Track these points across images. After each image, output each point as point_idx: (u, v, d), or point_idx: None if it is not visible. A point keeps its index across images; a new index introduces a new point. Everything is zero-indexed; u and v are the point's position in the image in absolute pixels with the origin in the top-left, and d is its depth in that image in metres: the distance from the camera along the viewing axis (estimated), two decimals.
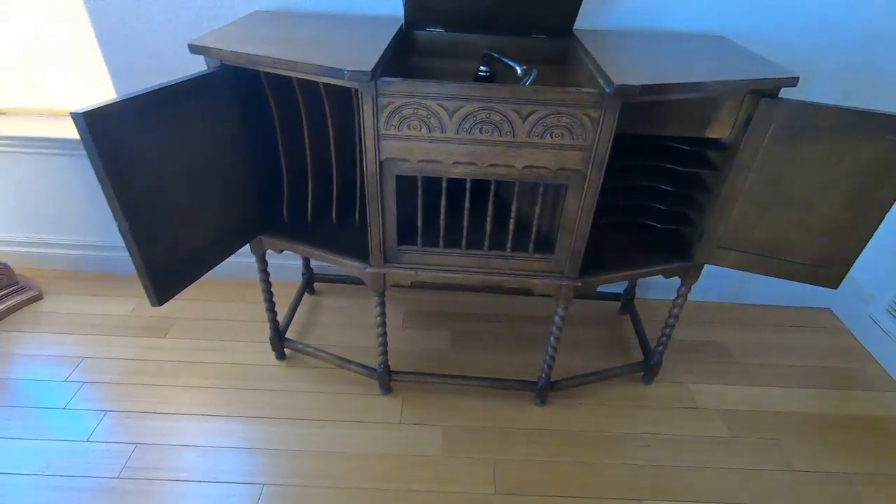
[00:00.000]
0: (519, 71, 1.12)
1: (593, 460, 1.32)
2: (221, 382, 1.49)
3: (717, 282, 1.80)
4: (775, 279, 1.78)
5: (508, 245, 1.13)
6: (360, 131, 1.00)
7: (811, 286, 1.78)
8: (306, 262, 1.72)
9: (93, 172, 1.63)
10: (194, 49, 1.00)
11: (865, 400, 1.52)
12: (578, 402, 1.47)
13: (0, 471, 1.23)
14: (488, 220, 1.10)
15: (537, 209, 1.08)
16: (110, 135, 0.82)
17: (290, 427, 1.37)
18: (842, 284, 1.78)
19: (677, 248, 1.26)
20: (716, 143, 1.14)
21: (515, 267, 1.15)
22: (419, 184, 1.05)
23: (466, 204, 1.08)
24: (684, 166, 1.16)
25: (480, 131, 0.96)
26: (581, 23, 1.32)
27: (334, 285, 1.84)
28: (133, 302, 1.74)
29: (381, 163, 1.00)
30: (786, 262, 1.16)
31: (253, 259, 1.34)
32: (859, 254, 1.09)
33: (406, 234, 1.14)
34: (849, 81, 1.39)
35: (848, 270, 1.12)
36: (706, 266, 1.75)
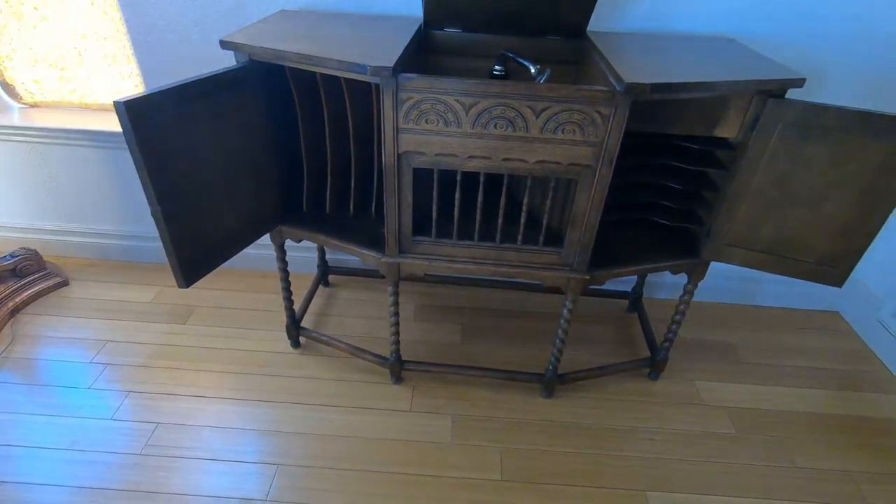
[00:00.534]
0: (533, 70, 1.16)
1: (598, 451, 1.35)
2: (239, 368, 1.54)
3: (726, 283, 1.82)
4: (785, 281, 1.81)
5: (519, 238, 1.16)
6: (379, 125, 1.04)
7: (821, 289, 1.81)
8: (322, 254, 1.78)
9: (122, 164, 1.71)
10: (226, 45, 1.06)
11: (872, 402, 1.53)
12: (585, 395, 1.50)
13: (30, 444, 1.29)
14: (500, 213, 1.14)
15: (548, 203, 1.12)
16: (149, 123, 0.87)
17: (304, 412, 1.42)
18: (851, 288, 1.80)
19: (685, 245, 1.29)
20: (724, 143, 1.17)
21: (525, 259, 1.19)
22: (435, 176, 1.09)
23: (480, 197, 1.12)
24: (693, 165, 1.19)
25: (495, 126, 1.00)
26: (594, 25, 1.36)
27: (348, 278, 1.89)
28: (156, 290, 1.81)
29: (399, 156, 1.05)
30: (792, 261, 1.18)
31: (270, 250, 1.39)
32: (863, 253, 1.12)
33: (421, 226, 1.18)
34: (862, 84, 1.41)
35: (852, 269, 1.14)
36: (717, 266, 1.78)
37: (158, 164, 0.91)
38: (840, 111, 0.99)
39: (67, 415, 1.37)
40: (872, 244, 1.72)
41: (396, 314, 1.35)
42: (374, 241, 1.24)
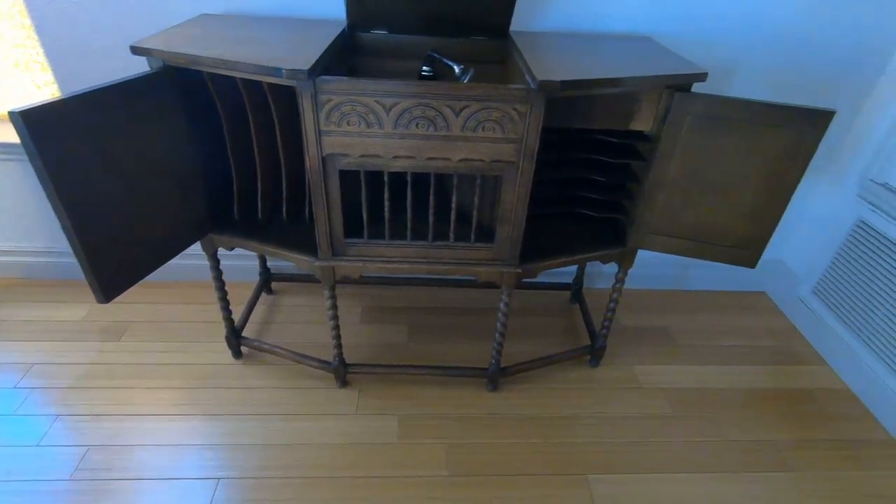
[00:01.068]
0: (457, 70, 1.18)
1: (542, 440, 1.38)
2: (178, 382, 1.50)
3: (660, 270, 1.90)
4: (714, 265, 1.91)
5: (451, 235, 1.18)
6: (303, 128, 1.04)
7: (747, 271, 1.91)
8: (263, 261, 1.74)
9: None
10: (136, 51, 1.03)
11: (795, 374, 1.63)
12: (529, 386, 1.53)
13: None
14: (431, 211, 1.15)
15: (476, 200, 1.14)
16: (50, 133, 0.84)
17: (249, 422, 1.39)
18: (774, 269, 1.91)
19: (612, 236, 1.35)
20: (642, 136, 1.22)
21: (459, 256, 1.21)
22: (362, 178, 1.10)
23: (409, 196, 1.13)
24: (615, 158, 1.24)
25: (417, 126, 1.01)
26: (519, 25, 1.40)
27: (292, 284, 1.86)
28: (87, 307, 1.73)
29: (323, 158, 1.05)
30: (710, 245, 1.25)
31: (202, 260, 1.35)
32: (771, 235, 1.19)
33: (352, 228, 1.18)
34: (766, 77, 1.50)
35: (763, 251, 1.22)
36: (650, 255, 1.86)
37: (65, 175, 0.88)
38: (742, 103, 1.05)
39: None
40: (790, 227, 1.84)
41: (335, 318, 1.34)
42: (308, 245, 1.23)
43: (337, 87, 0.96)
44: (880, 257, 1.48)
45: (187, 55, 0.99)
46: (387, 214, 1.15)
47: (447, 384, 1.52)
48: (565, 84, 0.96)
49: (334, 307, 1.32)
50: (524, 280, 1.25)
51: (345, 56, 1.29)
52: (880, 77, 1.51)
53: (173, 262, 1.79)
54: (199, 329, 1.67)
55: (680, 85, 1.08)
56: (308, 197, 1.26)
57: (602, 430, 1.42)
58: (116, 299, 1.56)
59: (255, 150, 1.19)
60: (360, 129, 1.01)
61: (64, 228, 0.92)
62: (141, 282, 1.83)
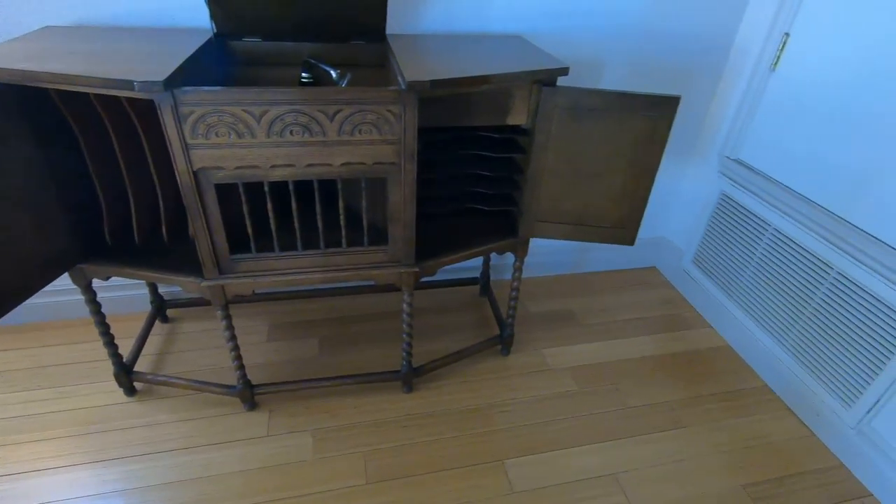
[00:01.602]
0: (334, 74, 1.18)
1: (460, 433, 1.41)
2: (66, 431, 1.36)
3: (559, 256, 2.00)
4: (609, 247, 2.04)
5: (343, 241, 1.17)
6: (168, 143, 0.98)
7: (639, 249, 2.06)
8: (153, 288, 1.63)
9: None
10: None
11: (684, 339, 1.78)
12: (444, 382, 1.55)
13: None
14: (319, 218, 1.13)
15: (364, 203, 1.14)
16: None
17: (154, 461, 1.29)
18: (661, 244, 2.07)
19: (505, 227, 1.40)
20: (520, 130, 1.28)
21: (354, 261, 1.20)
22: (241, 190, 1.06)
23: (293, 205, 1.11)
24: (499, 152, 1.29)
25: (291, 133, 0.99)
26: (397, 28, 1.42)
27: (190, 309, 1.75)
28: None
29: (194, 173, 1.00)
30: (592, 228, 1.34)
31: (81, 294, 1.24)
32: (643, 213, 1.30)
33: (238, 243, 1.14)
34: (638, 68, 1.63)
35: (637, 229, 1.32)
36: (546, 243, 1.95)
37: None
38: (602, 93, 1.14)
39: None
40: (670, 205, 2.00)
41: (233, 338, 1.29)
42: (193, 265, 1.17)
43: (200, 98, 0.92)
44: (741, 225, 1.66)
45: (22, 71, 0.90)
46: (273, 226, 1.12)
47: (361, 392, 1.50)
48: (434, 83, 0.98)
49: (230, 327, 1.26)
50: (433, 279, 1.27)
51: (218, 65, 1.24)
52: (725, 64, 1.69)
53: (51, 300, 1.65)
54: (85, 370, 1.53)
55: (545, 80, 1.14)
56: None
57: (516, 416, 1.47)
58: None
59: (123, 169, 1.11)
60: (232, 141, 0.98)
61: None
62: (13, 326, 1.66)
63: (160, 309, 1.67)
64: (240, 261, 1.14)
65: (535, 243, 1.93)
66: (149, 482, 1.25)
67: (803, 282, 1.46)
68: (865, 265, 1.29)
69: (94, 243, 1.20)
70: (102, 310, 1.31)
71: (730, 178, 1.69)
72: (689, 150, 1.87)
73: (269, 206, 1.09)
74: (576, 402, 1.52)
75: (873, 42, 1.23)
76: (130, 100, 1.02)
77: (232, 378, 1.47)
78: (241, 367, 1.34)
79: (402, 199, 1.13)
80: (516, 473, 1.31)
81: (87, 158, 1.09)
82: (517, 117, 1.24)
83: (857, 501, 1.30)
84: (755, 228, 1.60)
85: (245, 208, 1.08)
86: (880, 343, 1.26)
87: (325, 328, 1.73)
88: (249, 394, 1.39)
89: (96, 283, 1.29)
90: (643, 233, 2.03)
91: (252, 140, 0.98)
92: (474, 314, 1.84)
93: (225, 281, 1.15)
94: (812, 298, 1.44)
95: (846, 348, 1.35)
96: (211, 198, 1.04)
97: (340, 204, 1.12)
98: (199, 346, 1.63)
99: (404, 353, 1.43)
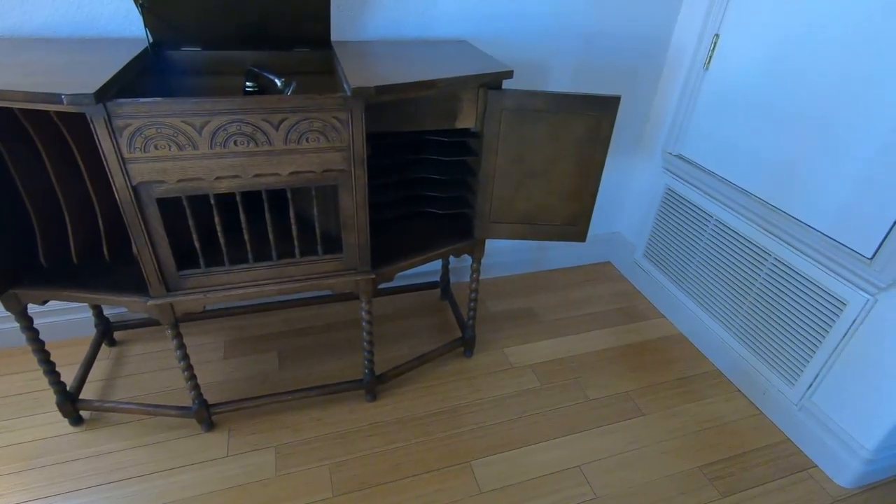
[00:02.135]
0: (278, 83, 1.16)
1: (426, 438, 1.40)
2: (8, 468, 1.27)
3: (517, 255, 2.03)
4: (565, 245, 2.08)
5: (297, 251, 1.15)
6: (103, 158, 0.94)
7: (593, 246, 2.12)
8: (98, 311, 1.55)
9: None
10: None
11: (639, 330, 1.84)
12: (408, 388, 1.55)
13: None
14: (269, 229, 1.11)
15: (315, 212, 1.12)
16: None
17: (106, 492, 1.23)
18: (614, 240, 2.14)
19: (461, 229, 1.41)
20: (469, 133, 1.30)
21: (308, 271, 1.18)
22: (185, 204, 1.03)
23: (242, 217, 1.08)
24: (450, 156, 1.30)
25: (235, 144, 0.97)
26: (341, 35, 1.41)
27: (138, 330, 1.68)
28: None
29: (134, 188, 0.96)
30: (544, 227, 1.36)
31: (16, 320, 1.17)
32: (592, 210, 1.33)
33: (187, 258, 1.10)
34: (581, 69, 1.68)
35: (588, 225, 1.36)
36: (504, 244, 1.97)
37: None
38: (543, 95, 1.17)
39: None
40: (621, 201, 2.07)
41: (186, 357, 1.24)
42: (139, 284, 1.12)
43: (135, 110, 0.89)
44: (686, 218, 1.73)
45: None
46: (222, 239, 1.09)
47: (325, 404, 1.48)
48: (380, 89, 0.98)
49: (182, 346, 1.22)
50: (392, 285, 1.27)
51: (154, 76, 1.20)
52: (664, 63, 1.77)
53: None
54: (24, 402, 1.44)
55: (491, 83, 1.16)
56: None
57: (481, 416, 1.48)
58: None
59: (56, 186, 1.05)
60: (172, 153, 0.95)
61: None
62: None
63: (106, 332, 1.59)
64: (188, 276, 1.10)
65: (493, 244, 1.95)
66: None
67: (744, 269, 1.54)
68: (798, 250, 1.37)
69: (27, 266, 1.13)
70: (41, 336, 1.23)
71: (673, 173, 1.76)
72: (635, 148, 1.94)
73: (217, 218, 1.06)
74: (539, 398, 1.54)
75: (793, 40, 1.32)
76: (61, 114, 0.97)
77: (187, 399, 1.42)
78: (196, 386, 1.29)
79: (353, 205, 1.12)
80: (483, 473, 1.32)
81: (15, 176, 1.03)
82: (466, 120, 1.25)
83: (804, 473, 1.37)
84: (698, 220, 1.68)
85: (191, 222, 1.05)
86: (816, 322, 1.35)
87: (283, 341, 1.70)
88: (206, 414, 1.34)
89: (32, 308, 1.22)
90: (597, 229, 2.09)
91: (194, 152, 0.95)
92: (436, 318, 1.84)
93: (173, 299, 1.11)
94: (753, 284, 1.52)
95: (786, 329, 1.43)
96: (153, 213, 1.00)
97: (291, 213, 1.10)
98: (150, 369, 1.56)
99: (366, 362, 1.41)
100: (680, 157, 1.72)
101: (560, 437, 1.42)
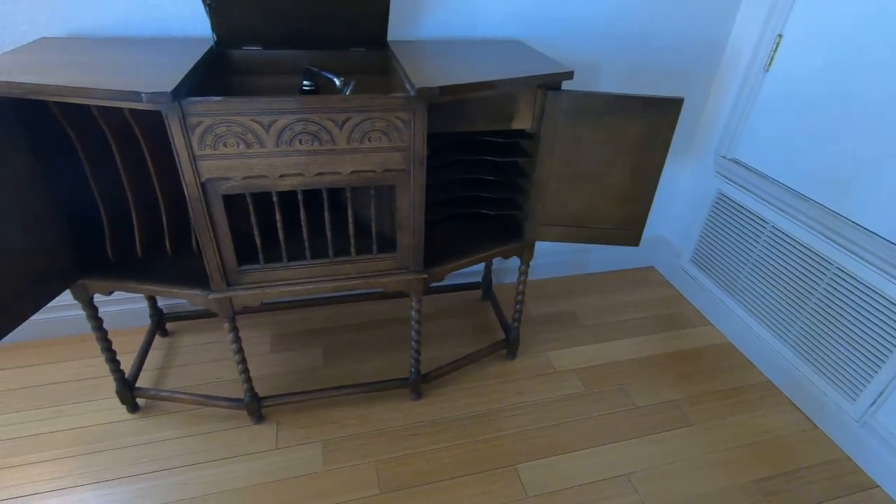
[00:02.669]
0: (337, 82, 1.17)
1: (470, 440, 1.40)
2: (64, 452, 1.32)
3: (560, 258, 2.01)
4: (608, 248, 2.05)
5: (352, 249, 1.16)
6: (175, 154, 0.97)
7: (636, 249, 2.08)
8: (153, 302, 1.60)
9: None
10: None
11: (685, 337, 1.80)
12: (452, 388, 1.55)
13: None
14: (328, 227, 1.12)
15: (373, 211, 1.13)
16: None
17: (159, 479, 1.27)
18: (659, 244, 2.09)
19: (511, 231, 1.40)
20: (524, 134, 1.29)
21: (363, 269, 1.19)
22: (249, 200, 1.05)
23: (302, 214, 1.09)
24: (503, 157, 1.29)
25: (300, 142, 0.98)
26: (397, 34, 1.42)
27: (189, 322, 1.73)
28: None
29: (202, 184, 0.98)
30: (596, 230, 1.34)
31: (83, 309, 1.22)
32: (647, 214, 1.31)
33: (246, 254, 1.12)
34: (625, 72, 1.65)
35: (642, 229, 1.33)
36: (547, 245, 1.95)
37: None
38: (601, 96, 1.15)
39: None
40: (667, 204, 2.02)
41: (240, 351, 1.27)
42: (199, 278, 1.15)
43: (207, 108, 0.91)
44: (738, 223, 1.68)
45: (25, 84, 0.88)
46: (281, 235, 1.11)
47: (370, 401, 1.49)
48: (444, 90, 0.98)
49: (237, 340, 1.24)
50: (434, 284, 1.27)
51: (217, 75, 1.23)
52: (719, 65, 1.72)
53: (43, 317, 1.61)
54: (83, 388, 1.49)
55: (550, 84, 1.15)
56: (193, 227, 1.18)
57: (525, 419, 1.46)
58: None
59: (125, 182, 1.09)
60: (240, 151, 0.96)
61: None
62: (5, 344, 1.61)
63: (159, 323, 1.64)
64: (247, 272, 1.12)
65: (535, 246, 1.93)
66: (155, 501, 1.22)
67: (803, 278, 1.48)
68: (864, 259, 1.31)
69: (95, 258, 1.17)
70: (103, 325, 1.28)
71: (726, 177, 1.71)
72: (685, 150, 1.89)
73: (278, 215, 1.08)
74: (584, 403, 1.52)
75: (862, 40, 1.26)
76: (133, 111, 1.00)
77: (237, 391, 1.45)
78: (249, 379, 1.32)
79: (410, 205, 1.12)
80: (529, 477, 1.31)
81: (88, 171, 1.07)
82: (521, 121, 1.24)
83: (865, 493, 1.32)
84: (753, 226, 1.63)
85: (253, 218, 1.07)
86: (882, 336, 1.29)
87: (327, 337, 1.72)
88: (257, 406, 1.37)
89: (96, 297, 1.27)
90: None
91: (261, 150, 0.97)
92: (476, 318, 1.84)
93: (233, 293, 1.13)
94: (812, 294, 1.46)
95: (848, 342, 1.38)
96: (218, 209, 1.02)
97: (350, 212, 1.11)
98: (200, 360, 1.60)
99: (413, 360, 1.42)
100: (734, 160, 1.67)
101: (607, 444, 1.40)
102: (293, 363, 1.61)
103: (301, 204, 1.08)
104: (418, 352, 1.41)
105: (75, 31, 1.23)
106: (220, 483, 1.26)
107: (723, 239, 1.76)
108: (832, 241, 1.39)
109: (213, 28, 1.17)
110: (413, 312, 1.32)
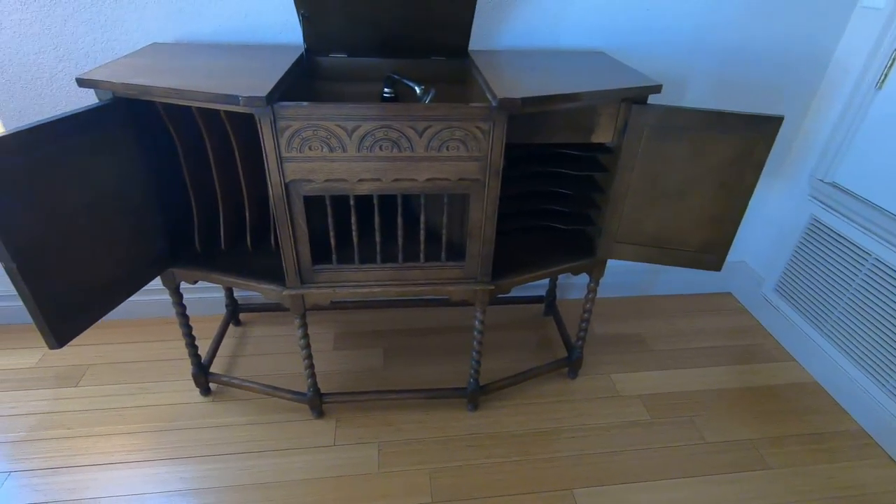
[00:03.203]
0: (418, 90, 1.18)
1: (525, 457, 1.37)
2: (143, 427, 1.42)
3: (629, 278, 1.93)
4: (681, 270, 1.95)
5: (422, 255, 1.17)
6: (264, 156, 1.01)
7: (712, 273, 1.96)
8: (229, 292, 1.69)
9: None
10: (84, 83, 0.99)
11: (764, 371, 1.67)
12: (509, 402, 1.52)
13: None
14: (400, 232, 1.14)
15: (444, 219, 1.13)
16: None
17: (223, 462, 1.33)
18: (738, 269, 1.97)
19: (582, 247, 1.36)
20: (603, 148, 1.25)
21: (431, 276, 1.20)
22: (328, 202, 1.08)
23: (376, 219, 1.11)
24: (578, 170, 1.26)
25: (381, 148, 1.00)
26: (477, 44, 1.42)
27: (261, 314, 1.81)
28: (39, 353, 1.63)
29: (286, 185, 1.02)
30: (674, 251, 1.27)
31: (168, 296, 1.30)
32: (733, 238, 1.22)
33: (321, 254, 1.16)
34: (713, 87, 1.56)
35: (726, 254, 1.25)
36: (618, 264, 1.88)
37: (8, 216, 0.83)
38: (692, 112, 1.09)
39: None
40: (750, 228, 1.90)
41: (308, 346, 1.31)
42: (275, 273, 1.20)
43: (297, 113, 0.95)
44: (835, 253, 1.54)
45: (137, 85, 0.96)
46: (355, 238, 1.13)
47: (426, 407, 1.49)
48: (526, 101, 0.97)
49: (306, 336, 1.28)
50: (498, 296, 1.25)
51: (304, 81, 1.28)
52: (821, 81, 1.59)
53: (132, 298, 1.73)
54: (163, 368, 1.60)
55: (636, 97, 1.10)
56: (273, 225, 1.23)
57: (584, 442, 1.41)
58: (71, 342, 1.48)
59: (216, 179, 1.16)
60: (323, 154, 1.00)
61: (8, 271, 0.86)
62: (98, 322, 1.76)
63: (233, 313, 1.72)
64: (321, 271, 1.16)
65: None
66: (219, 483, 1.28)
67: None
68: None
69: (184, 248, 1.25)
70: (186, 311, 1.36)
71: (822, 203, 1.58)
72: (774, 171, 1.77)
73: (354, 218, 1.10)
74: (648, 432, 1.44)
75: None
76: (228, 113, 1.06)
77: (300, 384, 1.49)
78: (314, 374, 1.36)
79: (482, 215, 1.12)
80: None
81: (184, 168, 1.14)
82: (601, 135, 1.21)
83: None
84: (852, 257, 1.49)
85: (330, 220, 1.10)
86: None
87: (388, 339, 1.74)
88: (318, 402, 1.41)
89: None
90: None
91: (343, 154, 1.00)
92: (538, 333, 1.80)
93: (306, 290, 1.17)
94: None
95: None
96: (299, 209, 1.06)
97: (422, 219, 1.12)
98: (268, 352, 1.67)
99: (472, 371, 1.40)
100: (833, 184, 1.54)
101: (672, 479, 1.32)
102: (354, 362, 1.65)
103: (376, 208, 1.10)
104: (478, 362, 1.39)
105: (182, 37, 1.32)
106: (281, 473, 1.31)
107: (814, 268, 1.62)
108: None
109: (305, 36, 1.22)
110: (476, 322, 1.31)
